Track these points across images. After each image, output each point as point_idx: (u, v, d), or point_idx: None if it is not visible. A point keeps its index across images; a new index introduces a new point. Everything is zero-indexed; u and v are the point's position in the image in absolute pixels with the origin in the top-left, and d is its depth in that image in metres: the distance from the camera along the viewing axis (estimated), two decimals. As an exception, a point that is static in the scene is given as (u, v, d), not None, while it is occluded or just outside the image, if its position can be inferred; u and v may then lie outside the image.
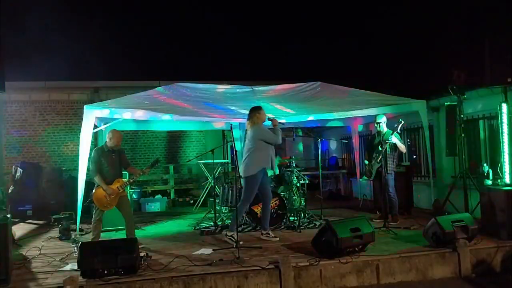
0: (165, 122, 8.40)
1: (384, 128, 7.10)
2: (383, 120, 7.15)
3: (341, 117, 8.26)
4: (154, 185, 11.56)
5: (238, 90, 8.11)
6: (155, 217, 9.03)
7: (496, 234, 5.64)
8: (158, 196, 10.61)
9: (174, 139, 12.57)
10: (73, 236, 6.65)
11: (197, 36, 14.81)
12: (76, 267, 4.69)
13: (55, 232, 7.19)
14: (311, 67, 13.49)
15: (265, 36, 15.10)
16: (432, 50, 10.68)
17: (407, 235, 6.12)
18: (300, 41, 15.07)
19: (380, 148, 6.92)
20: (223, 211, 7.85)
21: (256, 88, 8.13)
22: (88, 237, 6.19)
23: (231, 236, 5.97)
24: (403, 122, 6.77)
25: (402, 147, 7.04)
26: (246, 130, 6.27)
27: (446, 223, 5.29)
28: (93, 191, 5.84)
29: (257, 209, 6.91)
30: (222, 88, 8.14)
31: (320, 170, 8.10)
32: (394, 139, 6.86)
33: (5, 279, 4.44)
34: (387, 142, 6.84)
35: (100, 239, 5.76)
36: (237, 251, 5.23)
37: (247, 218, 7.10)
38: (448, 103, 7.42)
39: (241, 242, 5.63)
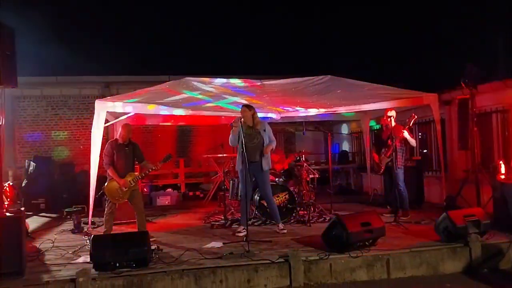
0: (175, 116, 8.43)
1: (394, 123, 7.03)
2: (392, 114, 7.08)
3: (351, 111, 8.21)
4: (165, 178, 11.62)
5: (247, 84, 8.10)
6: (166, 210, 9.09)
7: (509, 229, 5.57)
8: (169, 190, 10.68)
9: (184, 133, 12.62)
10: (86, 229, 6.73)
11: (207, 30, 14.80)
12: (88, 260, 4.75)
13: (67, 225, 7.29)
14: (322, 61, 13.42)
15: (275, 29, 15.04)
16: (444, 42, 10.56)
17: (418, 230, 6.09)
18: (311, 34, 14.99)
19: (389, 143, 6.86)
20: (233, 205, 7.88)
21: (266, 82, 8.11)
22: (100, 230, 6.26)
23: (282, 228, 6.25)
24: (416, 116, 6.69)
25: (412, 142, 6.94)
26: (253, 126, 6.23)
27: (457, 217, 5.24)
28: (105, 184, 5.89)
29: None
30: (232, 82, 8.14)
31: (330, 164, 8.08)
32: (406, 134, 6.77)
33: (19, 271, 4.51)
34: (397, 136, 6.75)
35: (112, 232, 5.82)
36: (247, 244, 5.25)
37: (256, 212, 7.12)
38: (461, 96, 7.33)
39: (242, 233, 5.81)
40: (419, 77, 9.85)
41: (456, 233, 5.18)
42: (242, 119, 6.05)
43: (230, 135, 6.22)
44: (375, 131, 10.67)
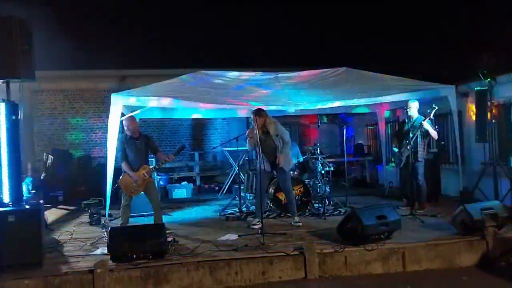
0: (190, 109, 8.47)
1: (416, 114, 6.91)
2: (415, 105, 6.96)
3: (367, 103, 8.12)
4: (180, 172, 11.72)
5: (262, 77, 8.08)
6: (181, 203, 9.17)
7: (528, 222, 5.49)
8: (184, 183, 10.77)
9: (199, 126, 12.67)
10: (103, 221, 6.83)
11: (221, 23, 14.76)
12: (106, 251, 4.82)
13: (85, 217, 7.39)
14: (337, 53, 13.27)
15: (290, 21, 14.92)
16: (461, 33, 10.35)
17: (434, 223, 6.04)
18: (326, 26, 14.83)
19: (411, 135, 6.74)
20: (248, 198, 7.91)
21: (280, 75, 8.07)
22: (117, 223, 6.35)
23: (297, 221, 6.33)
24: (436, 107, 6.58)
25: (434, 134, 6.76)
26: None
27: (475, 210, 5.18)
28: (120, 177, 5.96)
29: (282, 196, 6.94)
30: (246, 75, 8.12)
31: (345, 157, 8.03)
32: (427, 125, 6.66)
33: (39, 262, 4.62)
34: (419, 129, 6.64)
35: (128, 225, 5.90)
36: (262, 237, 5.28)
37: (271, 205, 7.14)
38: (478, 88, 7.20)
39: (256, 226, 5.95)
40: (436, 69, 9.67)
41: (473, 226, 5.12)
42: (256, 126, 6.09)
43: (247, 144, 6.34)
44: (397, 122, 10.53)
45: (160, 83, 7.58)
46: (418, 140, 6.76)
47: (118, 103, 6.49)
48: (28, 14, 5.35)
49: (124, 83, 11.74)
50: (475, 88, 7.30)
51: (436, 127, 6.72)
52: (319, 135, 12.95)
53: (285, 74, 8.12)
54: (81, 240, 5.76)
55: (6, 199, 4.92)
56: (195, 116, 9.49)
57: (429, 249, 4.97)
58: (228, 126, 12.65)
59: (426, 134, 6.78)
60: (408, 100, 7.01)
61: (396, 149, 7.14)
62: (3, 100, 5.02)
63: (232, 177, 9.81)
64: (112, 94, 6.59)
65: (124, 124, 6.05)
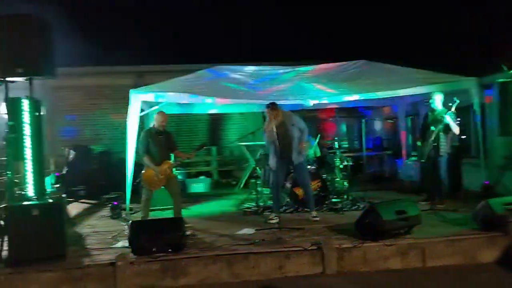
0: (207, 105, 8.50)
1: (439, 107, 6.79)
2: (439, 98, 6.83)
3: (386, 97, 8.00)
4: (198, 166, 11.80)
5: (279, 71, 8.05)
6: (199, 197, 9.24)
7: (552, 217, 5.35)
8: (202, 177, 10.84)
9: (216, 121, 12.71)
10: (124, 215, 6.93)
11: (238, 17, 14.75)
12: (127, 245, 4.91)
13: (106, 211, 7.50)
14: (357, 45, 13.11)
15: (307, 13, 14.82)
16: (483, 24, 10.12)
17: (455, 218, 5.95)
18: (345, 18, 14.68)
19: (433, 128, 6.62)
20: (265, 193, 7.92)
21: (298, 69, 8.03)
22: (138, 216, 6.44)
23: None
24: (458, 101, 6.45)
25: (456, 129, 6.62)
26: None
27: (497, 205, 5.09)
28: (143, 171, 6.04)
29: (299, 191, 6.92)
30: (263, 69, 8.10)
31: (364, 151, 7.96)
32: (448, 119, 6.53)
33: (62, 255, 4.72)
34: (442, 121, 6.52)
35: (149, 218, 5.98)
36: (279, 231, 5.28)
37: (288, 200, 7.14)
38: (501, 80, 7.03)
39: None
40: (458, 61, 9.48)
41: (495, 222, 5.03)
42: (270, 120, 6.08)
43: (265, 138, 6.34)
44: (417, 116, 10.36)
45: (177, 78, 7.61)
46: (441, 134, 6.63)
47: (137, 99, 6.57)
48: (48, 12, 5.45)
49: (142, 79, 11.85)
50: (498, 80, 7.13)
51: (459, 119, 6.59)
52: (337, 129, 12.85)
53: (303, 68, 8.07)
54: (103, 233, 5.87)
55: (30, 193, 5.05)
56: (212, 111, 9.53)
57: (450, 245, 4.90)
58: (245, 121, 12.66)
59: (448, 128, 6.64)
60: (432, 93, 6.89)
61: (419, 143, 7.03)
62: (27, 97, 5.14)
63: (249, 172, 9.83)
64: (130, 90, 6.67)
65: (156, 119, 6.11)
